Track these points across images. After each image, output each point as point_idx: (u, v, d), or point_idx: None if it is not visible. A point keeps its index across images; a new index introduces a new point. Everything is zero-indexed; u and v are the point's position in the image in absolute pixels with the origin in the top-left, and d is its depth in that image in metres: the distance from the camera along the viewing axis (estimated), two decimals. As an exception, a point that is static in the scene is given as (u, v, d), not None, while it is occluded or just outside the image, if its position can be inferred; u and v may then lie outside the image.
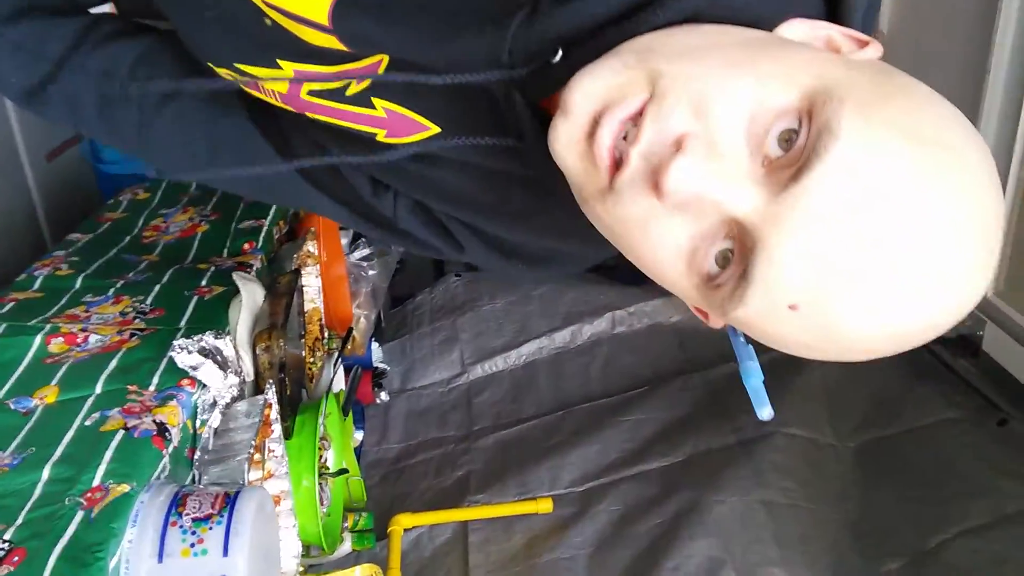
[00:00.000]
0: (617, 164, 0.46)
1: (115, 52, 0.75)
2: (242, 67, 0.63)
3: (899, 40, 1.78)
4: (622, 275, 2.18)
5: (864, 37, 0.50)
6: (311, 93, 0.62)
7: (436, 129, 0.59)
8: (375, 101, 0.60)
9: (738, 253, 0.44)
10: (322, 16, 0.56)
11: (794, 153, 0.42)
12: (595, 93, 0.46)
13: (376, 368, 1.88)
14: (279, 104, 0.65)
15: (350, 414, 1.45)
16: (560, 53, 0.51)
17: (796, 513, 1.41)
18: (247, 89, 0.66)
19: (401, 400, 1.93)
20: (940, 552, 1.26)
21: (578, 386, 1.90)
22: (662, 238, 0.45)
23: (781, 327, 0.44)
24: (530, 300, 2.12)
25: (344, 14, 0.56)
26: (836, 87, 0.42)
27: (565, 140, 0.47)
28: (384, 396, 1.86)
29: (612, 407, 1.79)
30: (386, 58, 0.57)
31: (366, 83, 0.59)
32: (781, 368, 1.73)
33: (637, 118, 0.45)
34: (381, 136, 0.62)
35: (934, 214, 0.40)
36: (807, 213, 0.41)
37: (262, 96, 0.66)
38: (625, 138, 0.45)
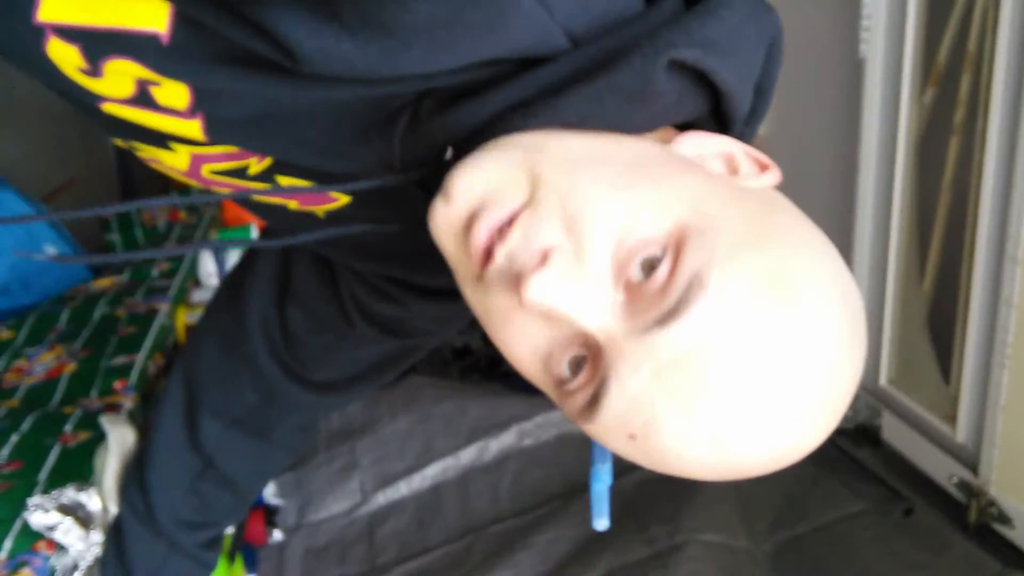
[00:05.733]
0: (488, 253, 0.46)
1: None
2: (138, 145, 0.61)
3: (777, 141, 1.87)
4: (525, 383, 2.14)
5: (765, 160, 0.51)
6: (213, 172, 0.61)
7: (347, 199, 0.60)
8: (278, 178, 0.60)
9: (591, 366, 0.46)
10: (197, 135, 0.55)
11: (655, 285, 0.43)
12: (476, 187, 0.46)
13: (268, 504, 1.76)
14: (183, 179, 0.63)
15: (238, 558, 1.34)
16: (451, 152, 0.51)
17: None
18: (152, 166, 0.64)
19: (298, 537, 1.80)
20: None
21: (487, 506, 1.81)
22: (522, 335, 0.47)
23: (620, 447, 0.47)
24: (432, 418, 2.04)
25: (218, 134, 0.55)
26: (709, 227, 0.43)
27: (444, 226, 0.48)
28: (278, 534, 1.73)
29: (523, 527, 1.71)
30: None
31: (267, 162, 0.58)
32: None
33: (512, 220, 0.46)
34: (293, 206, 0.63)
35: (777, 375, 0.42)
36: (669, 358, 0.42)
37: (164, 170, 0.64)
38: (501, 231, 0.46)
